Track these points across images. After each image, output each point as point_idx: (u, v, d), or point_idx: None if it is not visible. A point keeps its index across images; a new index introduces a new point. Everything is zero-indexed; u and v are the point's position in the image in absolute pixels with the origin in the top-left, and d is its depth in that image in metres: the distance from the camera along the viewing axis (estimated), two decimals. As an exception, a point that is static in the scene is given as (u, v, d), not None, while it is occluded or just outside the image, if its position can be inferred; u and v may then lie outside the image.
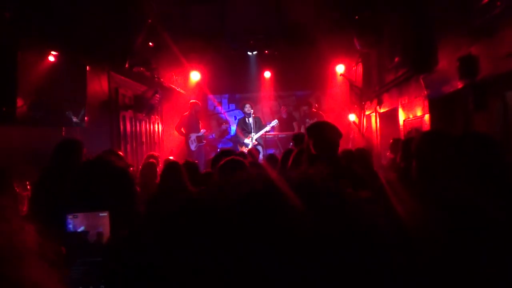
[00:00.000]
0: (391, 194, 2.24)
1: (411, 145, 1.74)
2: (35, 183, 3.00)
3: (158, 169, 4.62)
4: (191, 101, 8.65)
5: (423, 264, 1.44)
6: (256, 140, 8.23)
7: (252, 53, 9.31)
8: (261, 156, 8.18)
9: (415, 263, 1.42)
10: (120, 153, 2.86)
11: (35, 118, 4.38)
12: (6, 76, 3.92)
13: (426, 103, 5.06)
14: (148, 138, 8.16)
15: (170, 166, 2.96)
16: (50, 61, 4.72)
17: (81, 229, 1.12)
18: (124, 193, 1.34)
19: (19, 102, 4.06)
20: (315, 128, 2.39)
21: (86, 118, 5.37)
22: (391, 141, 5.15)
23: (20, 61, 4.02)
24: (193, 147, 8.29)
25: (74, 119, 5.13)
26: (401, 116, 6.13)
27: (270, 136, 8.91)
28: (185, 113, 8.61)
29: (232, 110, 10.94)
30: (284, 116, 9.78)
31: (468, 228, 1.44)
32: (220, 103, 10.90)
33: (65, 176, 3.03)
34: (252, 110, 8.32)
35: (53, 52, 4.74)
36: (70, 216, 1.13)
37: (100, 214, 1.15)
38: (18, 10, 3.82)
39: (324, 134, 2.30)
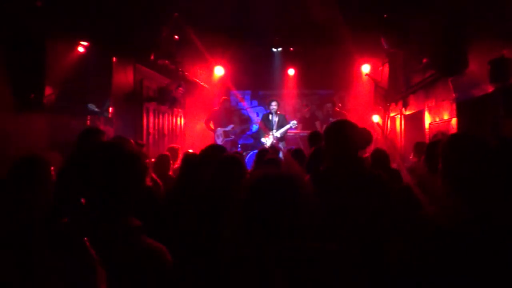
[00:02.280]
0: (419, 195, 2.19)
1: (437, 147, 1.68)
2: (60, 170, 3.08)
3: (177, 162, 4.64)
4: (223, 97, 8.78)
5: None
6: (277, 137, 8.18)
7: (277, 50, 9.26)
8: (280, 154, 8.12)
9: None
10: (141, 142, 2.86)
11: (62, 107, 4.49)
12: (35, 65, 4.03)
13: (454, 106, 4.91)
14: (170, 131, 8.25)
15: (188, 158, 3.01)
16: (78, 51, 4.84)
17: None
18: (130, 179, 1.34)
19: (47, 91, 4.18)
20: (335, 128, 2.33)
21: (110, 108, 5.48)
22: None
23: (49, 51, 4.14)
24: (219, 141, 8.39)
25: (98, 109, 5.23)
26: (427, 119, 5.97)
27: (292, 134, 8.86)
28: (214, 108, 8.73)
29: (255, 106, 10.93)
30: (307, 115, 9.70)
31: (496, 233, 1.40)
32: (243, 98, 10.90)
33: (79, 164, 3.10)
34: (276, 108, 8.28)
35: (82, 43, 4.84)
36: None
37: None
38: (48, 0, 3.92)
39: (344, 134, 2.24)
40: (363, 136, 2.30)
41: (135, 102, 6.63)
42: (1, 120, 3.71)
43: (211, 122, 8.55)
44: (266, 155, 3.88)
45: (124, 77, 6.28)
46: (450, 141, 1.63)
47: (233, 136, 8.62)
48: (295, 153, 4.28)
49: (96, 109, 5.20)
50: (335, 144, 2.21)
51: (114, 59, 5.66)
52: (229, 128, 8.57)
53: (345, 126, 2.28)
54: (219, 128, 8.46)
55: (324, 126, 9.18)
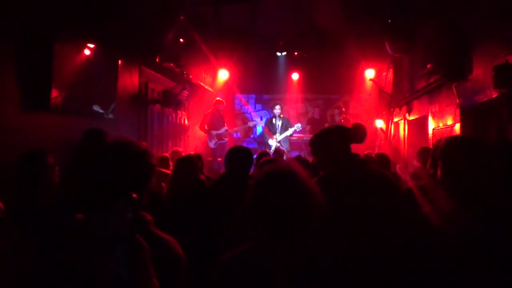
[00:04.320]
0: (419, 197, 2.21)
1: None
2: (64, 169, 3.12)
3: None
4: (216, 98, 8.59)
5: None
6: (280, 142, 8.18)
7: (281, 54, 9.29)
8: (285, 157, 8.10)
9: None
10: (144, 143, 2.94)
11: (68, 108, 4.52)
12: (43, 66, 4.08)
13: (458, 111, 4.91)
14: (174, 133, 8.28)
15: (182, 159, 3.08)
16: (85, 54, 4.87)
17: None
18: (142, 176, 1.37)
19: (54, 93, 4.21)
20: (316, 139, 2.42)
21: (115, 110, 5.51)
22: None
23: (56, 52, 4.17)
24: (211, 144, 8.18)
25: (104, 111, 5.27)
26: (431, 124, 5.97)
27: (295, 138, 8.85)
28: (208, 111, 8.49)
29: (259, 110, 10.97)
30: (317, 117, 9.54)
31: (488, 234, 1.41)
32: (247, 102, 10.94)
33: (88, 163, 3.15)
34: (279, 111, 8.27)
35: (89, 45, 4.88)
36: None
37: None
38: (57, 1, 3.96)
39: (328, 138, 2.32)
40: (353, 133, 2.34)
41: (139, 104, 6.67)
42: (9, 119, 3.75)
43: (205, 124, 8.30)
44: (263, 158, 3.88)
45: (130, 79, 6.33)
46: (446, 143, 1.65)
47: (226, 139, 8.37)
48: (298, 160, 4.29)
49: (101, 111, 5.24)
50: (321, 152, 2.31)
51: (120, 61, 5.70)
52: (222, 130, 8.28)
53: (325, 134, 2.36)
54: (212, 131, 8.20)
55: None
